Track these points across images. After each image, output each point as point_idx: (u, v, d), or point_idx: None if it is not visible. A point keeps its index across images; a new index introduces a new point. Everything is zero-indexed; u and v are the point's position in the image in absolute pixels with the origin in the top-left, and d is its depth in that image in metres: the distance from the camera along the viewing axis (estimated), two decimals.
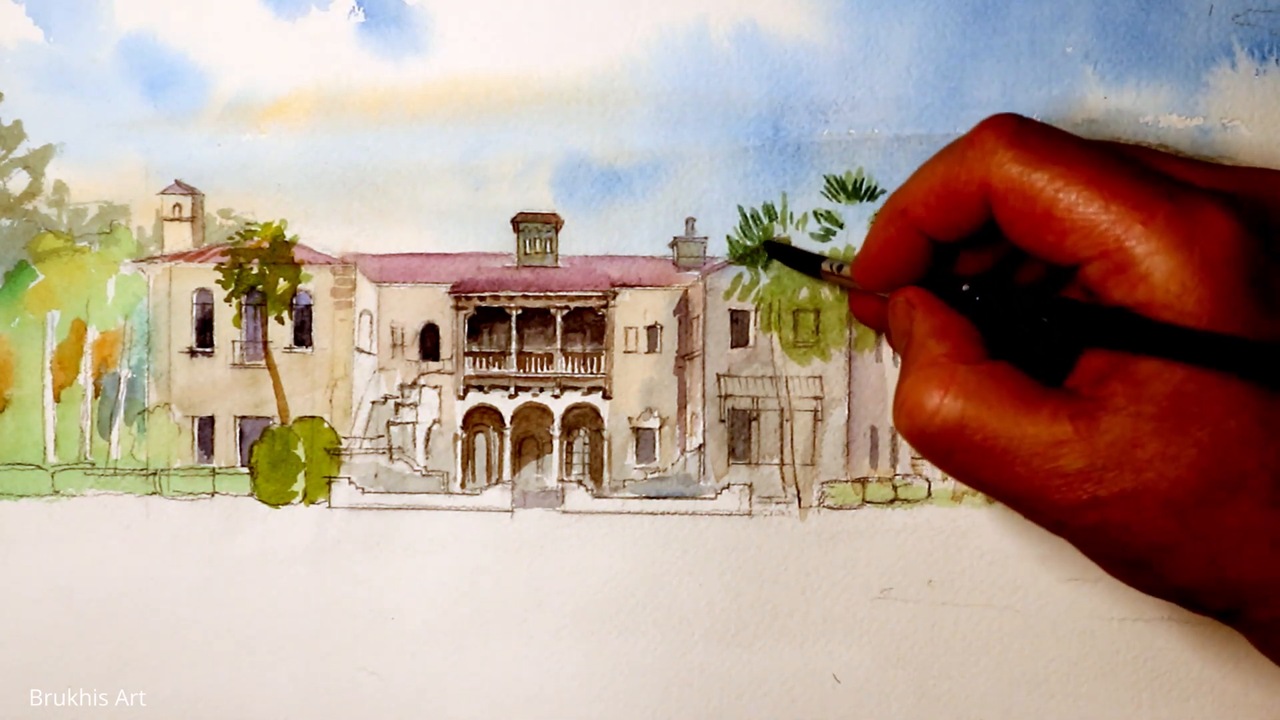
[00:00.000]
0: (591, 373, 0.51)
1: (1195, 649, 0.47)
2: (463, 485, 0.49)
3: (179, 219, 0.49)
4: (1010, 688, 0.47)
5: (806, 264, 0.46)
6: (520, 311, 0.51)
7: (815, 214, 0.47)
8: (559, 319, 0.51)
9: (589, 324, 0.51)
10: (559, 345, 0.52)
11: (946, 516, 0.48)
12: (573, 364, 0.52)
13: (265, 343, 0.50)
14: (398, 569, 0.48)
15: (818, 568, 0.48)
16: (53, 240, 0.48)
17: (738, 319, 0.49)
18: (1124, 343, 0.33)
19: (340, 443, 0.49)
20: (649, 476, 0.49)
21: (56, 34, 0.48)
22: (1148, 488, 0.32)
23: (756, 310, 0.49)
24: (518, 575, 0.48)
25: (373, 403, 0.49)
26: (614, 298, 0.50)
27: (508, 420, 0.52)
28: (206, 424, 0.49)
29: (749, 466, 0.49)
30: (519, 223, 0.48)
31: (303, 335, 0.50)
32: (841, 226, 0.48)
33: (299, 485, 0.49)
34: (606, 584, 0.48)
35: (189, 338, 0.50)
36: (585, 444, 0.51)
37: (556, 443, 0.51)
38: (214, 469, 0.49)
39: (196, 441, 0.49)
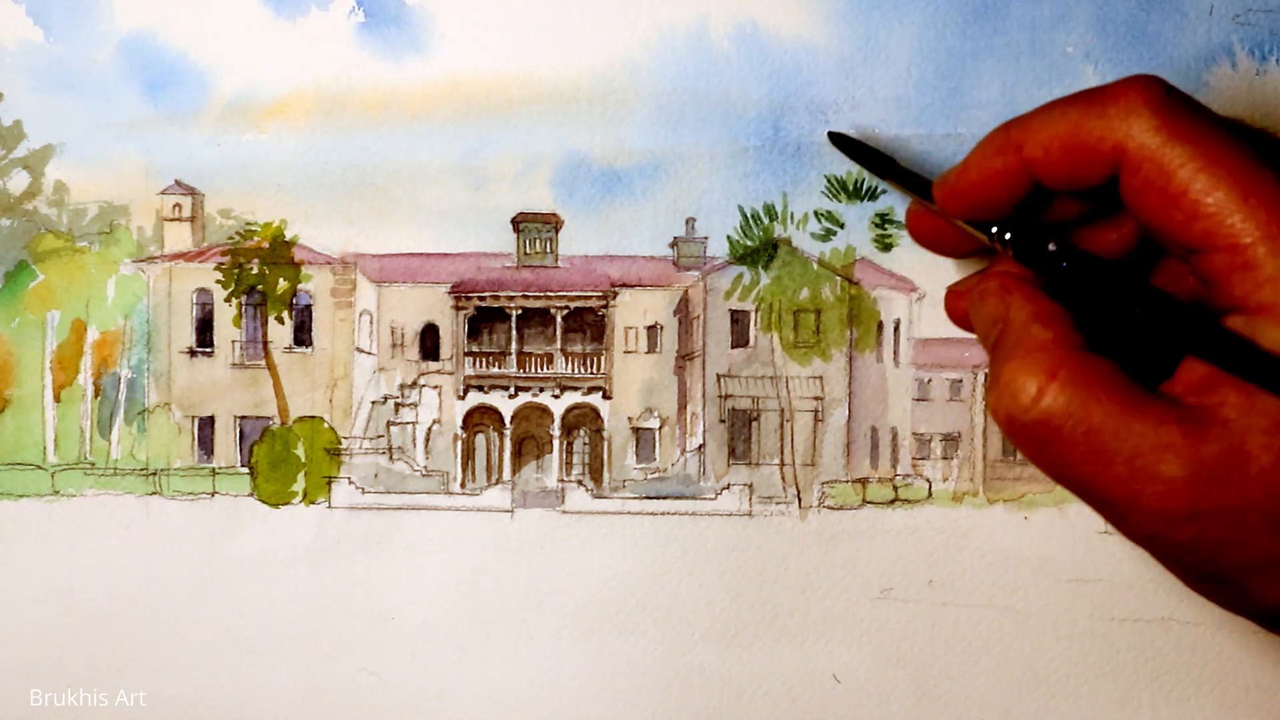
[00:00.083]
0: (591, 373, 0.51)
1: (1195, 649, 0.47)
2: (463, 485, 0.49)
3: (179, 219, 0.49)
4: (1010, 688, 0.47)
5: (877, 162, 0.44)
6: (520, 311, 0.51)
7: (816, 214, 0.47)
8: (559, 319, 0.51)
9: (589, 324, 0.51)
10: (559, 345, 0.52)
11: (947, 517, 0.48)
12: (573, 364, 0.52)
13: (265, 343, 0.50)
14: (398, 569, 0.48)
15: (818, 568, 0.48)
16: (53, 240, 0.48)
17: (738, 319, 0.49)
18: (1231, 363, 0.32)
19: (340, 443, 0.49)
20: (649, 476, 0.49)
21: (56, 34, 0.48)
22: (1253, 504, 0.31)
23: (757, 310, 0.49)
24: (518, 575, 0.48)
25: (373, 403, 0.49)
26: (614, 298, 0.50)
27: (508, 420, 0.52)
28: (206, 424, 0.49)
29: (749, 467, 0.49)
30: (519, 223, 0.48)
31: (303, 335, 0.50)
32: (842, 226, 0.48)
33: (299, 485, 0.49)
34: (606, 584, 0.48)
35: (189, 338, 0.50)
36: (585, 444, 0.51)
37: (556, 443, 0.51)
38: (214, 469, 0.49)
39: (196, 441, 0.49)
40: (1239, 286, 0.32)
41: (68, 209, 0.48)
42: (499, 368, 0.52)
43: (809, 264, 0.48)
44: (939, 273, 0.46)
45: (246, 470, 0.49)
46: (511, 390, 0.52)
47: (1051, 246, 0.36)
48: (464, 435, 0.50)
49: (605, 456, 0.50)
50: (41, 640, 0.48)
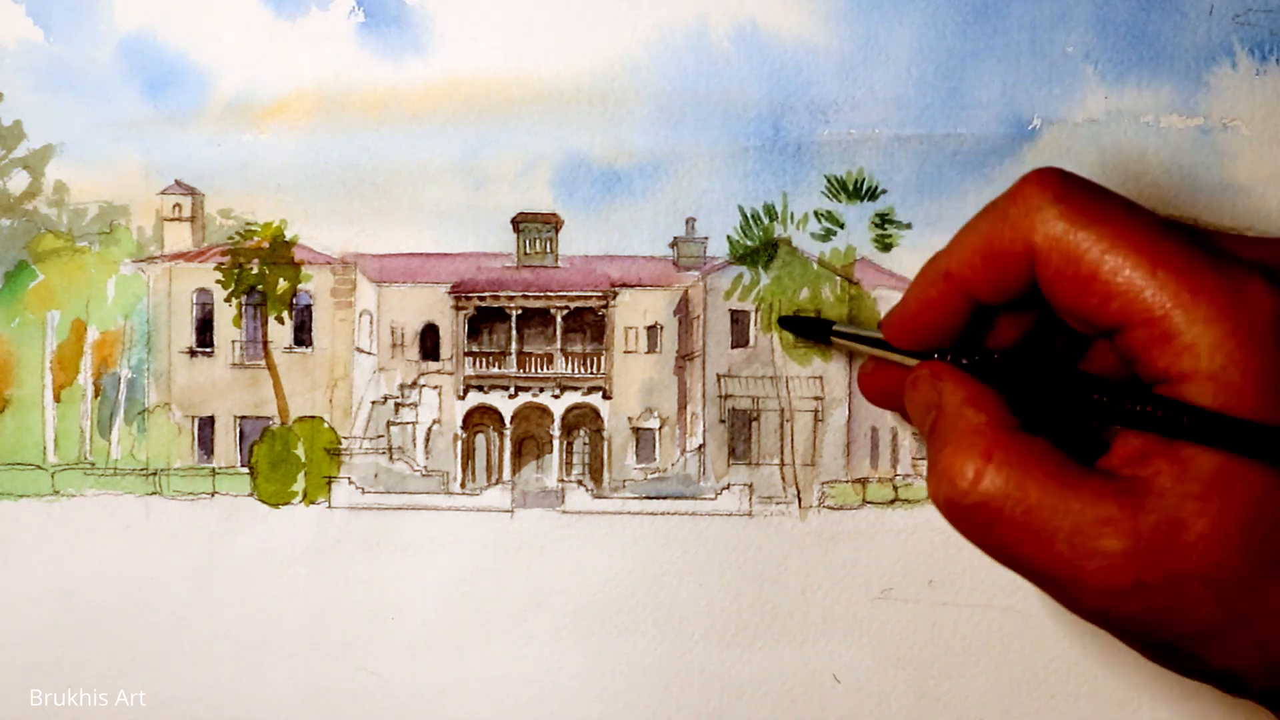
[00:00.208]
0: (591, 373, 0.51)
1: None
2: (463, 485, 0.49)
3: (179, 219, 0.49)
4: (1010, 688, 0.47)
5: (816, 332, 0.46)
6: (520, 311, 0.51)
7: (816, 214, 0.47)
8: (559, 319, 0.51)
9: (589, 324, 0.51)
10: (559, 345, 0.52)
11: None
12: (573, 364, 0.52)
13: (265, 343, 0.50)
14: (398, 569, 0.48)
15: (818, 568, 0.48)
16: (53, 240, 0.48)
17: (738, 319, 0.49)
18: (1163, 428, 0.32)
19: (340, 443, 0.49)
20: (649, 476, 0.49)
21: (56, 34, 0.48)
22: (1193, 571, 0.31)
23: (757, 310, 0.49)
24: (518, 575, 0.48)
25: (373, 403, 0.49)
26: (614, 298, 0.50)
27: (508, 420, 0.52)
28: (206, 424, 0.49)
29: (749, 467, 0.49)
30: (519, 223, 0.48)
31: (303, 335, 0.50)
32: (842, 226, 0.48)
33: (299, 485, 0.49)
34: (606, 584, 0.48)
35: (189, 338, 0.50)
36: (585, 444, 0.51)
37: (556, 443, 0.51)
38: (214, 469, 0.49)
39: (196, 441, 0.49)
40: (1160, 359, 0.32)
41: (68, 209, 0.48)
42: (499, 368, 0.52)
43: (809, 264, 0.48)
44: None
45: (246, 470, 0.49)
46: (511, 390, 0.52)
47: (996, 357, 0.37)
48: (464, 435, 0.50)
49: (605, 456, 0.50)
50: (41, 640, 0.48)
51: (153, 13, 0.48)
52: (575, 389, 0.52)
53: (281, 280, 0.49)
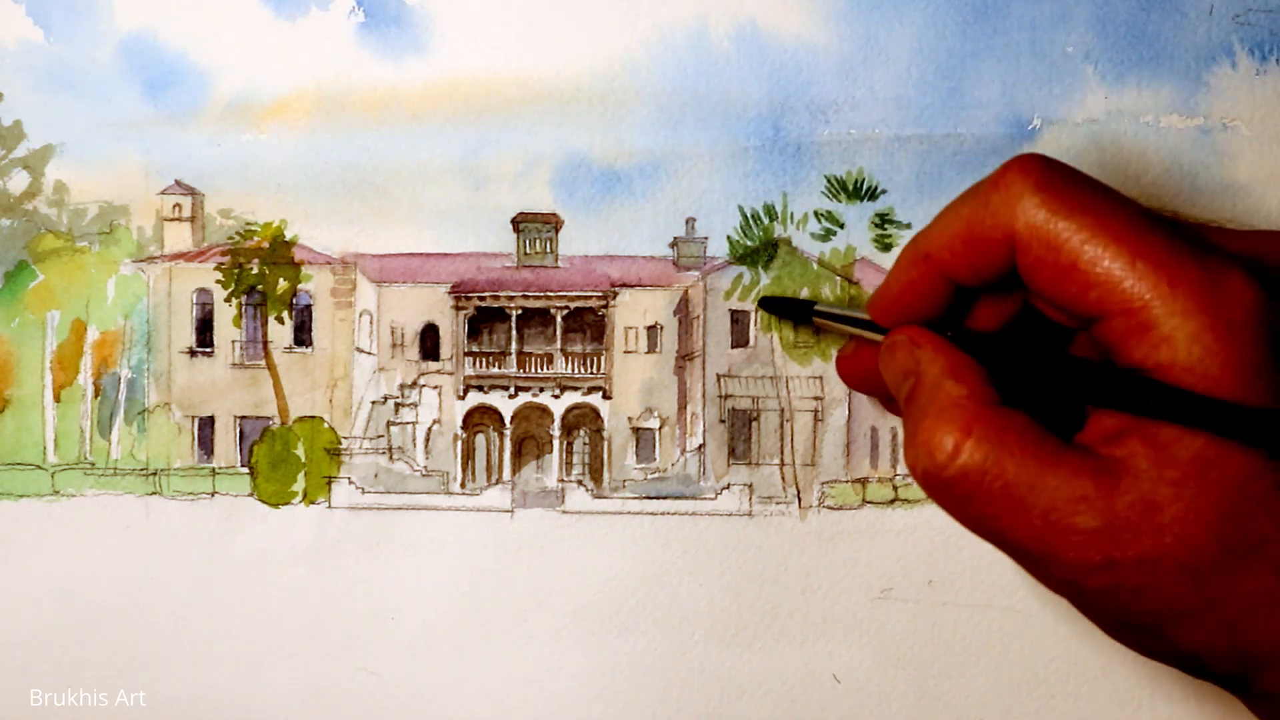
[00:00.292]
0: (591, 373, 0.51)
1: None
2: (463, 485, 0.49)
3: (179, 219, 0.49)
4: (1010, 688, 0.47)
5: (797, 312, 0.46)
6: (520, 311, 0.51)
7: (816, 214, 0.47)
8: (559, 319, 0.51)
9: (589, 324, 0.51)
10: (559, 345, 0.52)
11: (947, 517, 0.47)
12: (573, 364, 0.52)
13: (265, 343, 0.50)
14: (398, 569, 0.48)
15: (818, 568, 0.48)
16: (53, 240, 0.48)
17: (738, 319, 0.49)
18: (1146, 408, 0.32)
19: (340, 443, 0.49)
20: (649, 476, 0.49)
21: (56, 34, 0.48)
22: (1166, 552, 0.31)
23: (757, 310, 0.49)
24: (518, 575, 0.48)
25: (373, 403, 0.49)
26: (614, 298, 0.50)
27: (508, 420, 0.52)
28: (206, 424, 0.49)
29: (749, 466, 0.49)
30: (519, 223, 0.48)
31: (303, 335, 0.50)
32: (842, 226, 0.48)
33: (299, 485, 0.49)
34: (606, 584, 0.48)
35: (189, 338, 0.50)
36: (585, 444, 0.51)
37: (556, 443, 0.51)
38: (214, 469, 0.49)
39: (196, 441, 0.49)
40: (1138, 349, 0.32)
41: (68, 209, 0.48)
42: (499, 368, 0.52)
43: (809, 264, 0.48)
44: None
45: (246, 470, 0.49)
46: (511, 390, 0.52)
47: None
48: (464, 435, 0.50)
49: (605, 456, 0.50)
50: (41, 640, 0.48)
51: (153, 13, 0.48)
52: (575, 389, 0.52)
53: (281, 280, 0.49)
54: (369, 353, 0.50)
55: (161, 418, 0.49)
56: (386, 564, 0.48)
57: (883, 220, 0.47)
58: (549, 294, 0.50)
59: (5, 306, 0.48)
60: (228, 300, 0.50)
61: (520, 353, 0.52)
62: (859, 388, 0.45)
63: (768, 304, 0.47)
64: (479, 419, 0.51)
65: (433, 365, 0.50)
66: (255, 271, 0.49)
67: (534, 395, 0.52)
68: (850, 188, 0.47)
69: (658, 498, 0.48)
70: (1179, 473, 0.31)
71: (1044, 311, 0.36)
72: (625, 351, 0.50)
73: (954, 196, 0.44)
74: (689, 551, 0.48)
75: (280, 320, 0.50)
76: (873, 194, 0.47)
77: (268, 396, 0.49)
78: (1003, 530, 0.34)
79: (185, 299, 0.50)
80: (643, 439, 0.49)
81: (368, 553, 0.48)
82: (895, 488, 0.48)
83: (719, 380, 0.49)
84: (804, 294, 0.48)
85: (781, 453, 0.49)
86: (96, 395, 0.49)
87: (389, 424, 0.49)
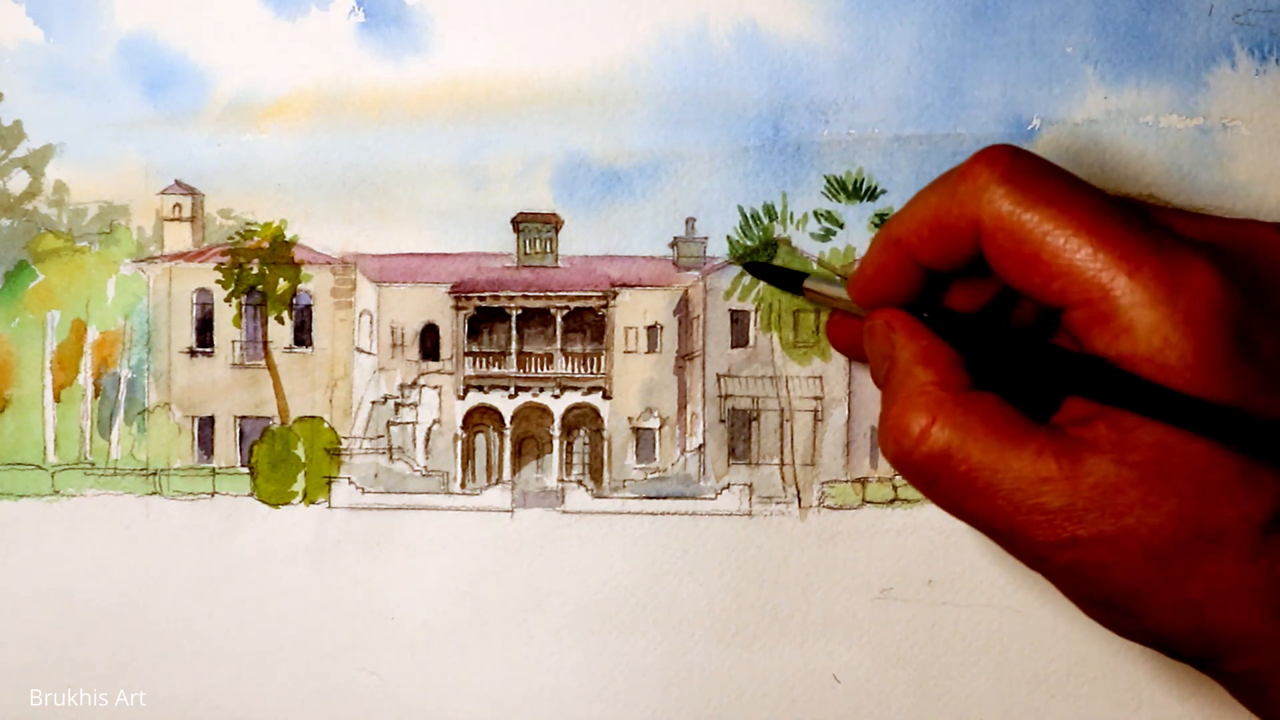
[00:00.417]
0: (591, 373, 0.51)
1: None
2: (463, 485, 0.49)
3: (179, 219, 0.49)
4: (1010, 688, 0.47)
5: (788, 282, 0.46)
6: (520, 311, 0.51)
7: (815, 214, 0.47)
8: (559, 319, 0.51)
9: (589, 324, 0.51)
10: (559, 345, 0.52)
11: (946, 517, 0.47)
12: (573, 364, 0.52)
13: (265, 343, 0.50)
14: (398, 569, 0.48)
15: (818, 568, 0.48)
16: (53, 240, 0.48)
17: (738, 319, 0.49)
18: (1106, 396, 0.33)
19: (340, 443, 0.49)
20: (649, 476, 0.49)
21: (56, 34, 0.48)
22: (1127, 532, 0.32)
23: (756, 310, 0.49)
24: (518, 575, 0.48)
25: (373, 403, 0.49)
26: (614, 298, 0.50)
27: (508, 420, 0.52)
28: (206, 424, 0.49)
29: (749, 466, 0.49)
30: (519, 223, 0.48)
31: (303, 335, 0.50)
32: (842, 226, 0.48)
33: (299, 485, 0.49)
34: (606, 584, 0.48)
35: (189, 338, 0.50)
36: (585, 444, 0.51)
37: (556, 443, 0.51)
38: (214, 469, 0.49)
39: (196, 441, 0.49)
40: (1099, 339, 0.33)
41: (68, 209, 0.48)
42: (499, 368, 0.52)
43: (809, 264, 0.48)
44: None
45: (246, 470, 0.49)
46: (511, 390, 0.52)
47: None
48: (464, 435, 0.50)
49: (605, 456, 0.50)
50: (41, 640, 0.48)
51: (153, 13, 0.48)
52: (575, 389, 0.52)
53: (281, 280, 0.49)
54: (369, 353, 0.50)
55: (161, 418, 0.49)
56: (386, 564, 0.48)
57: (882, 220, 0.47)
58: (549, 294, 0.50)
59: (5, 306, 0.48)
60: (228, 300, 0.50)
61: (520, 353, 0.52)
62: (848, 354, 0.47)
63: (755, 269, 0.47)
64: (479, 419, 0.51)
65: (433, 365, 0.50)
66: (255, 271, 0.49)
67: (534, 395, 0.52)
68: (850, 188, 0.47)
69: (658, 498, 0.48)
70: (1141, 456, 0.32)
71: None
72: (625, 351, 0.50)
73: None
74: (689, 551, 0.48)
75: (280, 320, 0.50)
76: (872, 194, 0.47)
77: (268, 396, 0.49)
78: (972, 511, 0.34)
79: (185, 299, 0.50)
80: (643, 439, 0.49)
81: (368, 553, 0.48)
82: (895, 488, 0.48)
83: (719, 380, 0.49)
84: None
85: (781, 453, 0.49)
86: (96, 395, 0.49)
87: (389, 424, 0.49)
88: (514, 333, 0.52)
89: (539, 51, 0.47)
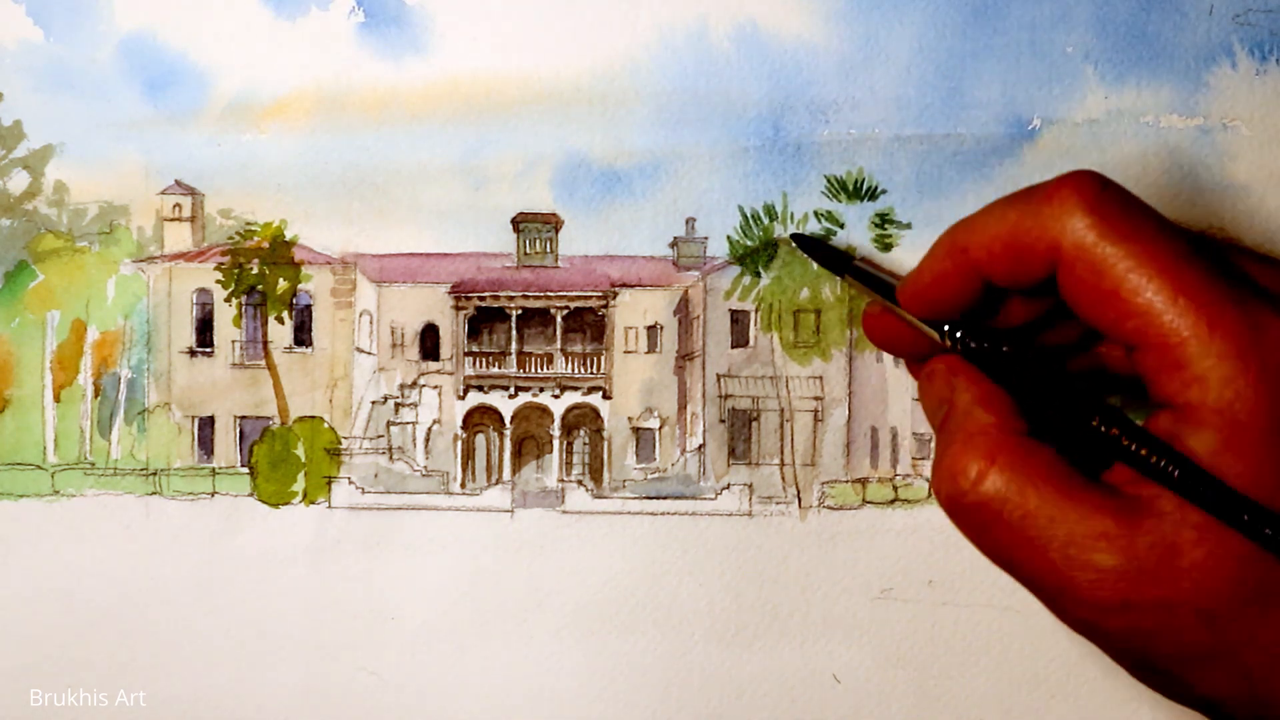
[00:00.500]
0: (591, 373, 0.51)
1: None
2: (463, 485, 0.49)
3: (179, 219, 0.49)
4: (1010, 688, 0.47)
5: (836, 262, 0.45)
6: (520, 311, 0.51)
7: (816, 214, 0.47)
8: (559, 319, 0.51)
9: (589, 324, 0.51)
10: (559, 345, 0.52)
11: (946, 517, 0.47)
12: (573, 364, 0.52)
13: (265, 343, 0.50)
14: (398, 569, 0.48)
15: (818, 568, 0.48)
16: (53, 240, 0.48)
17: (738, 319, 0.49)
18: (1156, 474, 0.32)
19: (340, 443, 0.49)
20: (649, 476, 0.49)
21: (56, 34, 0.48)
22: (1184, 597, 0.31)
23: (757, 310, 0.49)
24: (518, 575, 0.48)
25: (373, 403, 0.49)
26: (614, 298, 0.50)
27: (508, 420, 0.52)
28: (206, 424, 0.49)
29: (749, 466, 0.49)
30: (519, 223, 0.48)
31: (303, 335, 0.50)
32: (842, 226, 0.48)
33: (299, 485, 0.49)
34: (606, 584, 0.48)
35: (189, 338, 0.50)
36: (585, 444, 0.51)
37: (556, 443, 0.51)
38: (214, 469, 0.49)
39: (196, 441, 0.49)
40: (1168, 385, 0.32)
41: (68, 209, 0.48)
42: (499, 368, 0.52)
43: (809, 264, 0.48)
44: None
45: (246, 470, 0.49)
46: (511, 390, 0.52)
47: (1005, 348, 0.37)
48: (464, 435, 0.50)
49: (605, 456, 0.50)
50: (41, 640, 0.48)
51: (153, 13, 0.48)
52: (575, 389, 0.52)
53: (281, 280, 0.49)
54: (369, 353, 0.50)
55: (161, 418, 0.49)
56: (386, 564, 0.48)
57: (883, 220, 0.47)
58: (549, 294, 0.50)
59: (5, 306, 0.48)
60: (228, 300, 0.50)
61: (520, 353, 0.52)
62: (884, 347, 0.44)
63: (804, 243, 0.46)
64: (479, 419, 0.51)
65: (433, 365, 0.50)
66: (255, 271, 0.49)
67: (534, 395, 0.52)
68: (850, 188, 0.47)
69: (658, 498, 0.48)
70: (1202, 516, 0.31)
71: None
72: (625, 351, 0.50)
73: (954, 196, 0.44)
74: (689, 551, 0.48)
75: (280, 320, 0.50)
76: (873, 194, 0.47)
77: (268, 396, 0.49)
78: (1020, 562, 0.33)
79: (185, 299, 0.50)
80: (643, 439, 0.49)
81: (368, 553, 0.48)
82: (895, 488, 0.48)
83: (719, 380, 0.49)
84: (804, 295, 0.48)
85: (781, 453, 0.49)
86: (96, 395, 0.49)
87: (389, 424, 0.49)
88: (514, 333, 0.52)
89: (539, 51, 0.47)
